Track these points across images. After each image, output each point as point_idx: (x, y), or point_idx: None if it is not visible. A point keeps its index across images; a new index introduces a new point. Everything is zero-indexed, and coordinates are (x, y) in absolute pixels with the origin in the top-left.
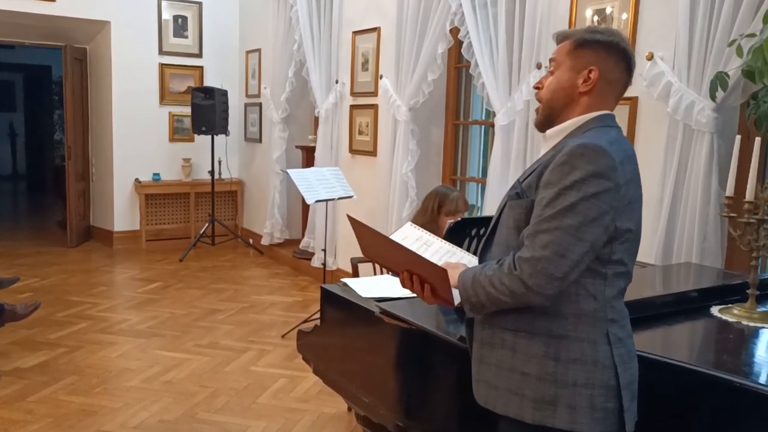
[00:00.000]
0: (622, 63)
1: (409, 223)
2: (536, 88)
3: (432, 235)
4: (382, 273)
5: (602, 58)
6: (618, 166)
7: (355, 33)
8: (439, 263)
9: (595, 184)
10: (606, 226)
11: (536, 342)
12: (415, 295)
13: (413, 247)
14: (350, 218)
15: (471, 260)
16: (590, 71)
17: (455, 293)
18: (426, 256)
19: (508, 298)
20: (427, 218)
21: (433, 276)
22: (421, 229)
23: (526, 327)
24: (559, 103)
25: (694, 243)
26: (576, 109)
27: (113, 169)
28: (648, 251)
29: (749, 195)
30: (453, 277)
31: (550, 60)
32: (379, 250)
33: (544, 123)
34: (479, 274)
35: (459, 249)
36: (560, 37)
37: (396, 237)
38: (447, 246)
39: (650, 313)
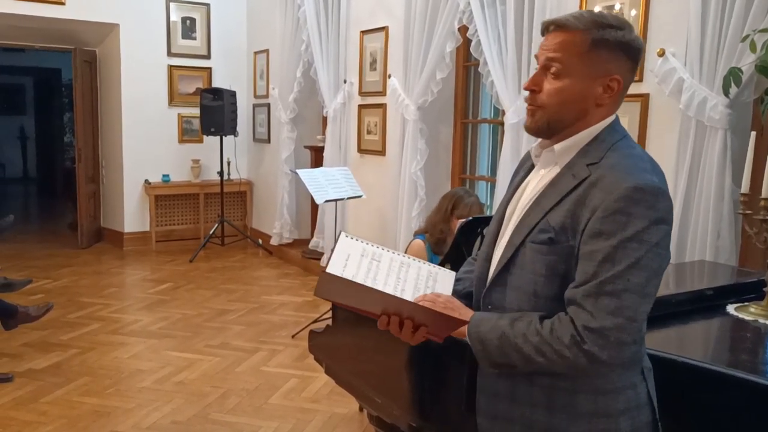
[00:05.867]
0: (635, 64)
1: (343, 233)
2: (531, 89)
3: (375, 244)
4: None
5: (622, 62)
6: (671, 202)
7: (363, 32)
8: (396, 278)
9: (656, 231)
10: (663, 271)
11: (581, 400)
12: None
13: (363, 266)
14: (326, 275)
15: (431, 270)
16: (612, 79)
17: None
18: (381, 273)
19: (567, 369)
20: (440, 217)
21: (438, 324)
22: (360, 238)
23: (567, 385)
24: (570, 116)
25: (707, 240)
26: (587, 120)
27: (123, 170)
28: None
29: (765, 192)
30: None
31: (549, 59)
32: (359, 300)
33: (545, 131)
34: (510, 333)
35: (413, 259)
36: (556, 26)
37: (338, 255)
38: (399, 257)
39: (665, 311)
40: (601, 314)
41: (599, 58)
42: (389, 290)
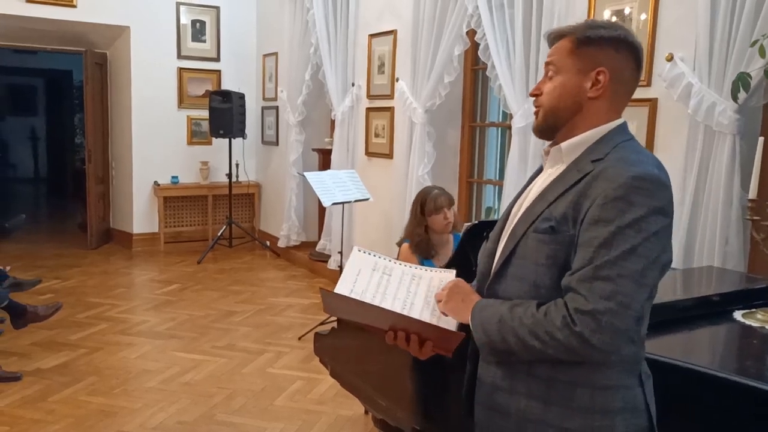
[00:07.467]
0: (632, 59)
1: (356, 248)
2: (534, 95)
3: (388, 258)
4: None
5: (610, 56)
6: (671, 194)
7: (372, 36)
8: (406, 292)
9: (655, 221)
10: (662, 264)
11: (579, 394)
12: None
13: (374, 280)
14: (325, 293)
15: (445, 277)
16: (599, 73)
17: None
18: (391, 287)
19: (560, 353)
20: (415, 222)
21: (441, 338)
22: (374, 252)
23: (565, 378)
24: (566, 111)
25: (715, 246)
26: (588, 117)
27: (132, 171)
28: None
29: None
30: (457, 309)
31: (547, 64)
32: (364, 316)
33: (546, 130)
34: (508, 317)
35: (425, 269)
36: (554, 36)
37: (349, 270)
38: (411, 270)
39: (671, 317)
40: (594, 297)
41: (587, 54)
42: (398, 304)
